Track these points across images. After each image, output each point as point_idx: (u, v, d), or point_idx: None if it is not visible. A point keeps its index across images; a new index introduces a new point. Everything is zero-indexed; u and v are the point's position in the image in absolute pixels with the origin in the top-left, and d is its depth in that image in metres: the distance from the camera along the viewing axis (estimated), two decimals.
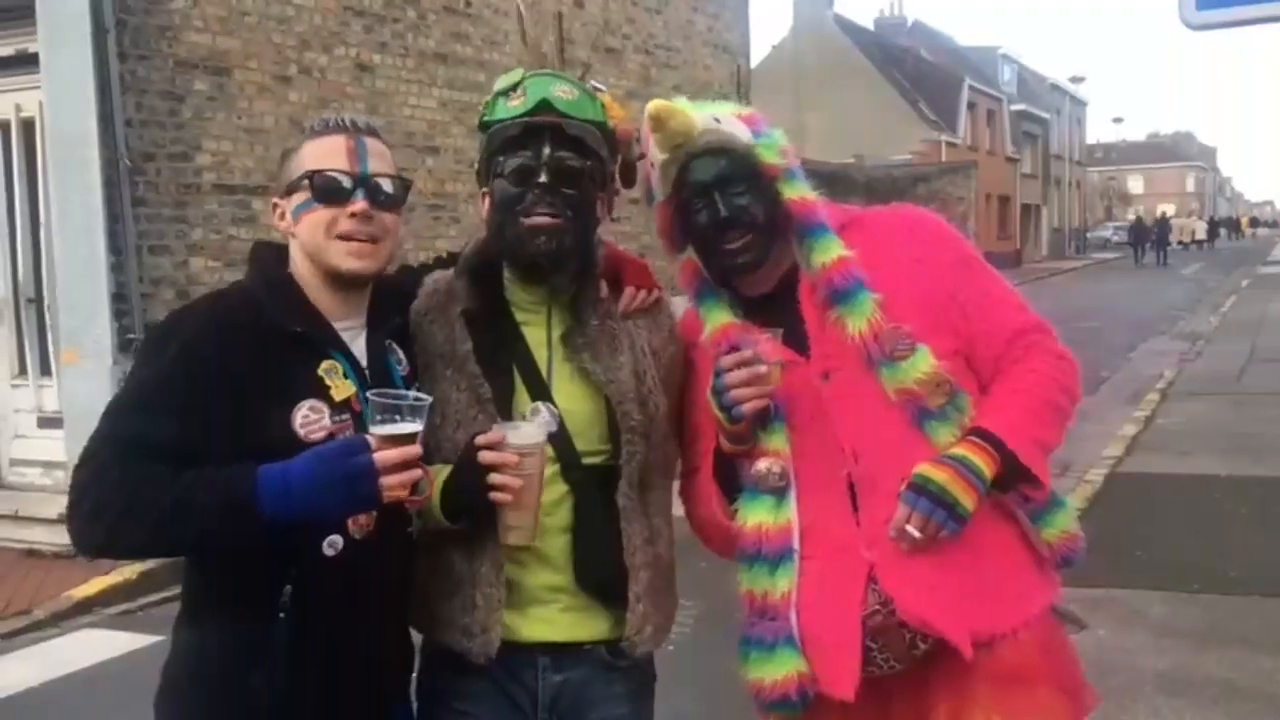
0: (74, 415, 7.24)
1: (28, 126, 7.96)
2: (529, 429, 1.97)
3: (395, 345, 2.06)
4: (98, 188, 7.26)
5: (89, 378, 7.26)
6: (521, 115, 2.02)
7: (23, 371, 8.21)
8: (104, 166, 7.27)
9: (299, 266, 1.98)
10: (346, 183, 1.92)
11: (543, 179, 2.00)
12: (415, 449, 1.77)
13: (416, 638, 2.15)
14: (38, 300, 8.10)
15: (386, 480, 1.75)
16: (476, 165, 2.14)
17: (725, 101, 2.24)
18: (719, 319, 2.14)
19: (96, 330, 7.32)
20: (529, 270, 2.07)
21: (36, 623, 6.13)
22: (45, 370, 8.05)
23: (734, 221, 2.07)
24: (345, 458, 1.74)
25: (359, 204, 1.91)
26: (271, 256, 2.03)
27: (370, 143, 1.97)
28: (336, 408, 1.89)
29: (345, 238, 1.92)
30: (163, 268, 7.74)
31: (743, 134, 2.12)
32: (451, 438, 2.03)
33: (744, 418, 2.01)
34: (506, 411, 2.02)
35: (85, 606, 6.33)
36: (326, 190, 1.91)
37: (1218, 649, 5.02)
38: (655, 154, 2.12)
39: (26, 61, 7.61)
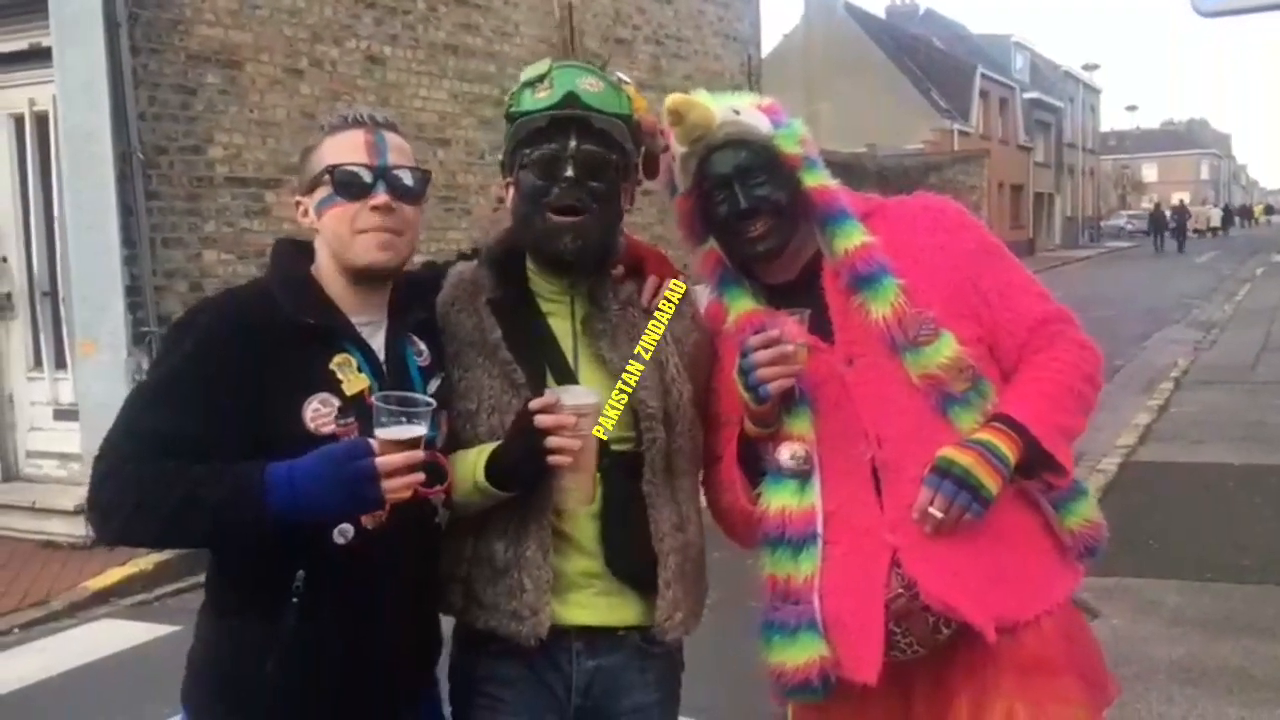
0: (89, 407, 7.28)
1: (41, 121, 7.98)
2: (582, 390, 1.98)
3: (416, 338, 2.06)
4: (111, 181, 7.28)
5: (104, 370, 7.30)
6: (549, 108, 2.02)
7: (38, 364, 8.24)
8: (117, 160, 7.29)
9: (322, 261, 2.00)
10: (366, 176, 1.93)
11: (569, 173, 2.01)
12: (418, 454, 1.78)
13: (445, 627, 2.16)
14: (52, 293, 8.12)
15: (389, 484, 1.76)
16: (501, 155, 2.15)
17: (744, 92, 2.25)
18: (743, 306, 2.16)
19: (111, 323, 7.36)
20: (554, 264, 2.09)
21: (54, 613, 6.17)
22: (60, 363, 8.08)
23: (754, 212, 2.09)
24: (348, 461, 1.75)
25: (380, 197, 1.93)
26: (291, 252, 2.05)
27: (389, 136, 1.98)
28: (348, 402, 1.90)
29: (368, 230, 1.93)
30: (176, 260, 7.77)
31: (762, 125, 2.13)
32: (487, 423, 2.05)
33: (770, 397, 2.02)
34: (539, 395, 2.02)
35: (102, 597, 6.37)
36: (347, 184, 1.93)
37: (1231, 638, 5.01)
38: (675, 147, 2.13)
39: (39, 56, 7.62)
